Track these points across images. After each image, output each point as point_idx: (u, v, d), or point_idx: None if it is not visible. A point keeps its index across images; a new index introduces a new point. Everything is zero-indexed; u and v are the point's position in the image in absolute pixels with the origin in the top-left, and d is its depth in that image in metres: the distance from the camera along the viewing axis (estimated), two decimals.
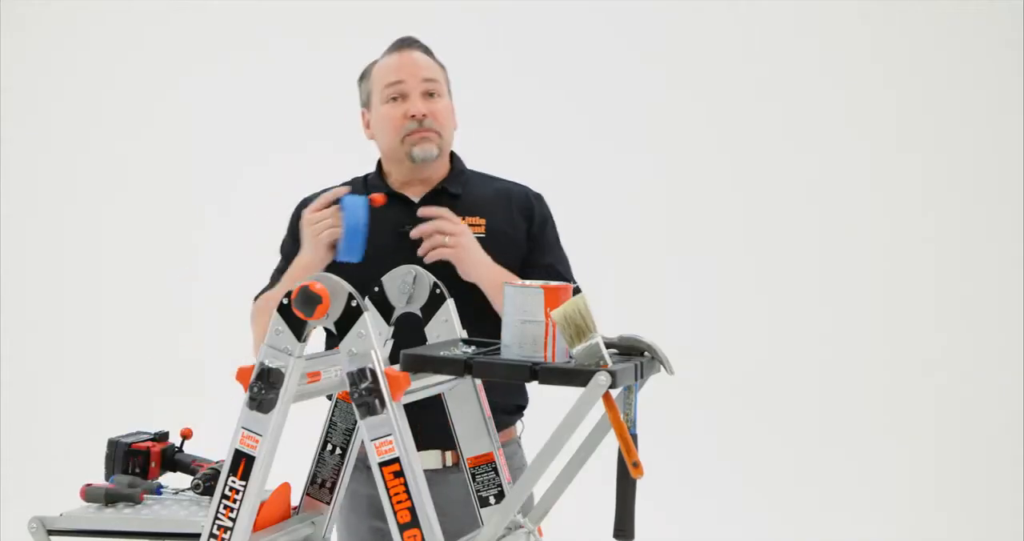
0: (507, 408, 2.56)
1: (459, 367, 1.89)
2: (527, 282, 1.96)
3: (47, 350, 5.55)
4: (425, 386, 1.96)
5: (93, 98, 5.67)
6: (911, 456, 5.28)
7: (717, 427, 5.30)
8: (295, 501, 2.15)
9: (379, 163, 2.62)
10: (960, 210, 5.46)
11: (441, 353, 1.96)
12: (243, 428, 1.88)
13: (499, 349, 1.93)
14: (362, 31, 5.56)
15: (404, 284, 2.18)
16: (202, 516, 1.98)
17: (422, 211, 2.43)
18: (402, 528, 1.82)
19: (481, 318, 2.30)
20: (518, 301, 1.90)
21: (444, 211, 2.42)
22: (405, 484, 1.81)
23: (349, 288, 1.84)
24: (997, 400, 5.31)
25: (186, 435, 2.25)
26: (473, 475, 2.17)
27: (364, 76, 2.59)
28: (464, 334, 2.16)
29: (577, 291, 2.43)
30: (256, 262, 5.32)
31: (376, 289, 2.19)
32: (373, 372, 1.82)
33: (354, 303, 1.83)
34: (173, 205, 5.62)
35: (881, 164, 5.50)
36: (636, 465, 1.86)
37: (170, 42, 5.65)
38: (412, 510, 1.81)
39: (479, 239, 2.46)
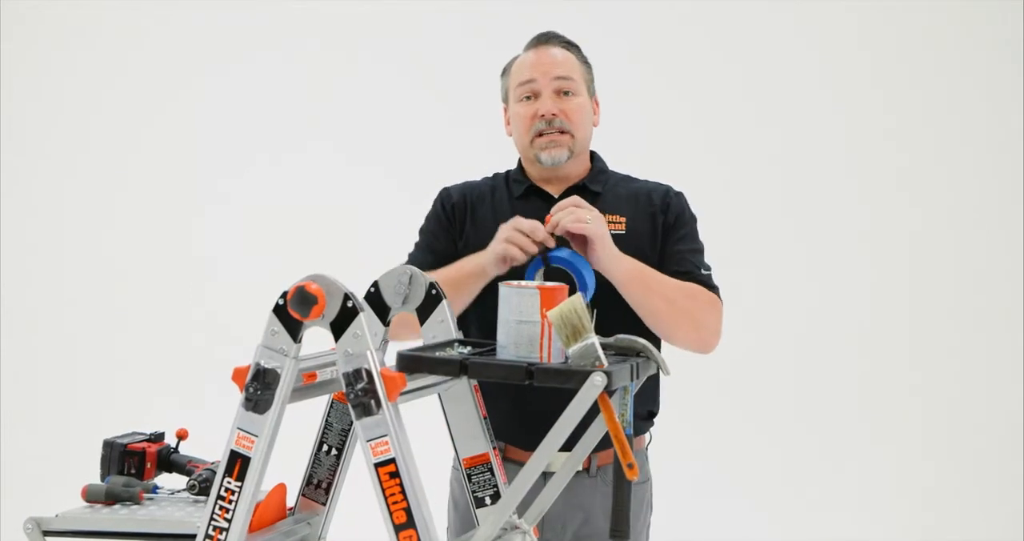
0: (640, 414, 2.54)
1: (455, 368, 1.89)
2: (523, 282, 1.96)
3: (42, 351, 5.54)
4: (421, 387, 1.95)
5: (93, 99, 5.67)
6: (901, 456, 5.29)
7: (710, 427, 5.30)
8: (291, 502, 2.15)
9: (520, 159, 2.61)
10: (951, 209, 5.47)
11: (437, 354, 1.96)
12: (239, 429, 1.88)
13: (495, 350, 1.93)
14: (364, 32, 5.58)
15: (400, 284, 2.18)
16: (198, 517, 1.98)
17: (558, 206, 2.33)
18: (397, 529, 1.81)
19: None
20: (514, 301, 1.90)
21: (578, 198, 2.33)
22: (401, 485, 1.81)
23: (345, 288, 1.84)
24: (988, 398, 5.32)
25: (182, 436, 2.25)
26: (469, 476, 2.17)
27: (505, 72, 2.58)
28: (460, 334, 2.16)
29: (711, 285, 2.47)
30: (253, 263, 5.38)
31: (372, 289, 2.18)
32: (369, 373, 1.81)
33: (350, 303, 1.83)
34: (172, 205, 5.62)
35: (872, 162, 5.50)
36: (631, 466, 1.86)
37: (171, 44, 5.65)
38: (408, 511, 1.81)
39: (619, 236, 2.41)
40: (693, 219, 2.57)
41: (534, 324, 1.89)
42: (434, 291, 2.18)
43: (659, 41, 5.53)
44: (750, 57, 5.56)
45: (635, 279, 2.32)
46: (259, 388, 1.86)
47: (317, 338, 1.92)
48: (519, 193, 2.53)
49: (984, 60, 5.45)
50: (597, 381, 1.78)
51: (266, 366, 1.86)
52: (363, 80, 5.57)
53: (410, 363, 1.92)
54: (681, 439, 5.18)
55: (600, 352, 1.82)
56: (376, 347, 1.85)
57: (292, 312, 1.84)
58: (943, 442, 5.30)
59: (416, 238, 2.63)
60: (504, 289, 1.92)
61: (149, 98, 5.65)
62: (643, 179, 2.62)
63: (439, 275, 2.27)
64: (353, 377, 1.82)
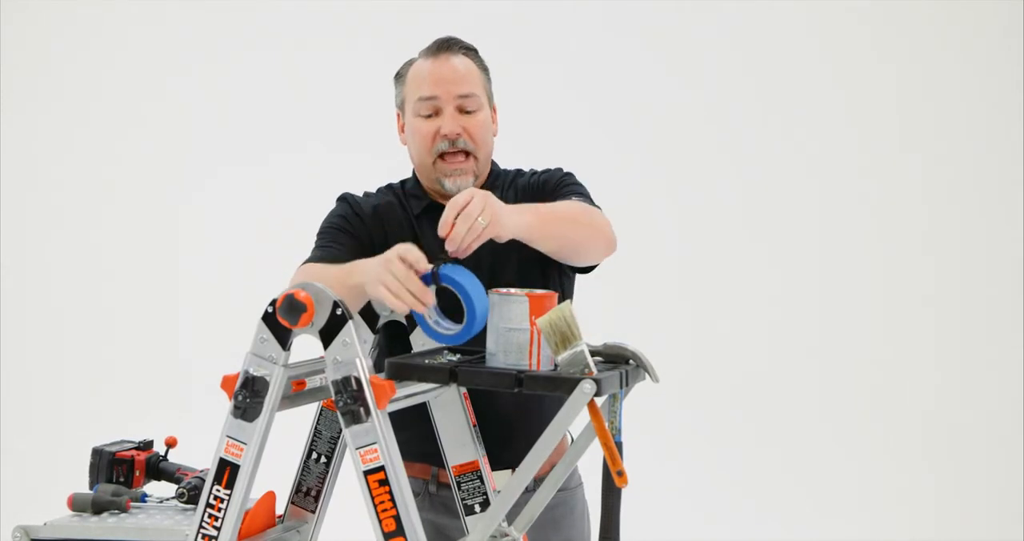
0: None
1: (444, 375, 1.89)
2: (512, 290, 1.95)
3: (32, 358, 5.52)
4: (410, 394, 1.96)
5: (84, 97, 5.64)
6: (902, 458, 5.30)
7: (711, 429, 5.30)
8: (280, 510, 2.15)
9: (415, 171, 2.48)
10: (956, 210, 5.47)
11: (426, 361, 1.96)
12: (228, 437, 1.88)
13: (484, 357, 1.93)
14: (355, 32, 5.57)
15: None
16: (187, 525, 1.98)
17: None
18: (387, 536, 1.82)
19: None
20: (503, 309, 1.91)
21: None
22: (390, 492, 1.81)
23: (334, 296, 1.84)
24: (988, 399, 5.33)
25: (170, 444, 2.25)
26: (458, 483, 2.18)
27: (399, 76, 2.45)
28: None
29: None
30: (242, 270, 5.36)
31: None
32: (358, 380, 1.82)
33: (339, 311, 1.83)
34: (164, 208, 5.60)
35: (878, 165, 5.50)
36: (621, 474, 1.86)
37: (163, 40, 5.62)
38: (397, 518, 1.81)
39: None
40: (574, 178, 2.45)
41: (523, 331, 1.89)
42: None
43: (667, 37, 5.52)
44: (759, 54, 5.55)
45: (539, 224, 2.13)
46: (248, 396, 1.86)
47: (307, 346, 1.92)
48: (418, 210, 2.41)
49: (994, 59, 5.46)
50: (587, 388, 1.78)
51: (255, 374, 1.87)
52: (351, 76, 5.54)
53: (399, 370, 1.92)
54: (682, 440, 5.21)
55: (589, 359, 1.82)
56: (365, 355, 1.85)
57: (281, 320, 1.85)
58: (943, 443, 5.30)
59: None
60: (493, 296, 1.93)
61: (134, 99, 5.62)
62: (529, 170, 2.51)
63: (332, 271, 2.11)
64: (342, 385, 1.82)
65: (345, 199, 2.42)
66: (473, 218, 1.95)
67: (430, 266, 1.93)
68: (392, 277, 1.91)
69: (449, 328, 1.98)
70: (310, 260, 2.27)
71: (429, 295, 1.93)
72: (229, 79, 5.62)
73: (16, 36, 5.63)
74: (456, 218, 1.96)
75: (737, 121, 5.53)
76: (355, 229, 2.35)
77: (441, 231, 1.97)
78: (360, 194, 2.44)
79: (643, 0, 5.50)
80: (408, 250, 1.94)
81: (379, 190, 2.46)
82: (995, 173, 5.45)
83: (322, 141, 5.56)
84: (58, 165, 5.66)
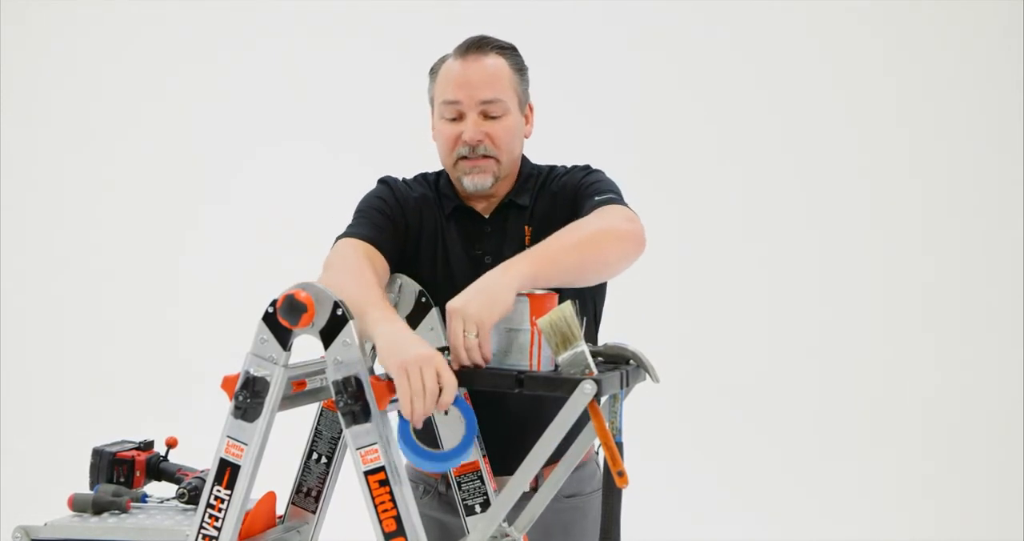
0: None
1: None
2: None
3: (33, 359, 5.52)
4: None
5: (84, 97, 5.64)
6: (902, 457, 5.30)
7: (710, 428, 5.31)
8: (281, 510, 2.15)
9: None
10: (956, 210, 5.47)
11: None
12: (228, 437, 1.88)
13: None
14: (355, 32, 5.57)
15: (388, 292, 2.18)
16: (187, 525, 1.98)
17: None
18: (387, 537, 1.82)
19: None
20: None
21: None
22: (391, 492, 1.81)
23: (335, 296, 1.84)
24: (988, 398, 5.33)
25: (171, 444, 2.25)
26: (459, 484, 2.18)
27: (433, 72, 2.39)
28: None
29: (611, 200, 2.25)
30: (242, 269, 5.36)
31: None
32: (358, 381, 1.82)
33: (339, 312, 1.83)
34: (164, 208, 5.60)
35: (878, 165, 5.51)
36: (621, 474, 1.86)
37: (163, 40, 5.63)
38: (397, 518, 1.81)
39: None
40: (595, 171, 2.39)
41: (523, 332, 1.89)
42: (424, 299, 2.19)
43: (667, 37, 5.52)
44: (759, 55, 5.55)
45: (534, 273, 2.01)
46: (249, 396, 1.86)
47: (308, 346, 1.92)
48: (448, 211, 2.37)
49: (994, 59, 5.46)
50: (587, 389, 1.78)
51: (256, 374, 1.86)
52: (351, 75, 5.54)
53: None
54: (682, 441, 5.22)
55: (590, 360, 1.82)
56: (366, 355, 1.85)
57: (282, 320, 1.84)
58: (943, 443, 5.30)
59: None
60: None
61: (134, 99, 5.63)
62: (561, 166, 2.44)
63: (352, 291, 2.01)
64: (343, 385, 1.82)
65: (387, 182, 2.39)
66: (460, 350, 1.91)
67: (447, 407, 1.87)
68: (419, 377, 1.84)
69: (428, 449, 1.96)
70: (347, 235, 2.24)
71: (424, 416, 1.86)
72: (229, 79, 5.62)
73: (16, 36, 5.64)
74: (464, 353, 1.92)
75: (737, 121, 5.54)
76: (394, 214, 2.32)
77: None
78: (404, 181, 2.40)
79: (643, 0, 5.51)
80: (451, 384, 1.87)
81: (416, 179, 2.43)
82: (995, 173, 5.46)
83: (322, 141, 5.56)
84: (58, 165, 5.66)
